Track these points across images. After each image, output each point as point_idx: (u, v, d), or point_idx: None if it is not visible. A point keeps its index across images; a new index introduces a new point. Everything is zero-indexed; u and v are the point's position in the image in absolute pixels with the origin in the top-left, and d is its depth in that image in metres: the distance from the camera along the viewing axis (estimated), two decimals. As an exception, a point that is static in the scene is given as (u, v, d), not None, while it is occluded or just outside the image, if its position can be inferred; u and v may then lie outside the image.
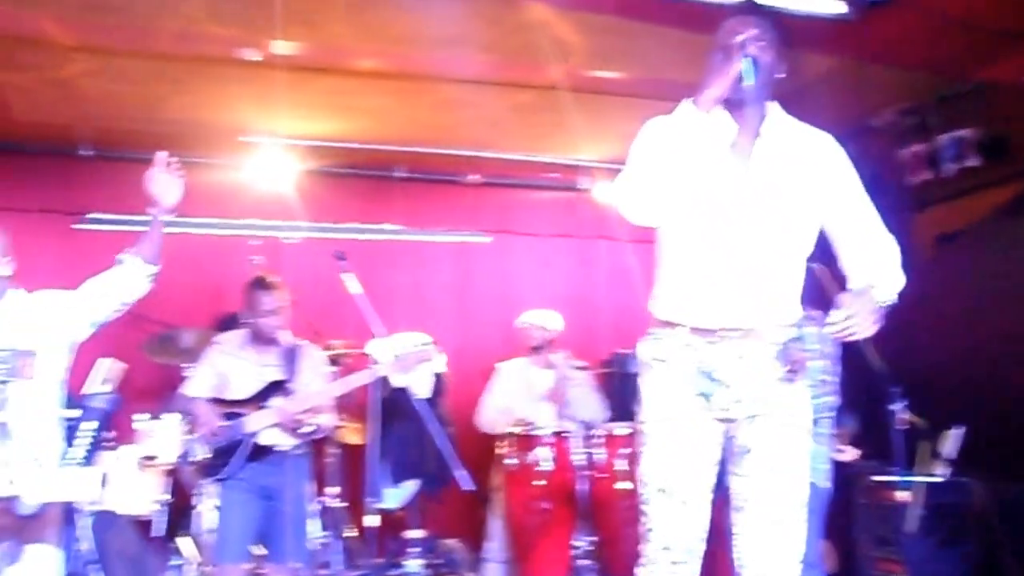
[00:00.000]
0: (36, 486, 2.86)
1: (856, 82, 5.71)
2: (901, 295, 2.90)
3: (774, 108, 2.93)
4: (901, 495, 4.37)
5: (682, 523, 2.87)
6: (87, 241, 7.06)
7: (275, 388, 4.71)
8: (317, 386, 4.78)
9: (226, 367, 4.77)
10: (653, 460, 2.90)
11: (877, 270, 2.90)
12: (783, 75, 2.86)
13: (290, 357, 4.83)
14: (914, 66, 5.54)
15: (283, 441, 4.69)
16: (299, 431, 4.68)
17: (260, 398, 4.68)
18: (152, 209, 3.67)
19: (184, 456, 4.75)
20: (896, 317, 2.87)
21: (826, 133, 3.02)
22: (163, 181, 3.64)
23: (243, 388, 4.72)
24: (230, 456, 4.61)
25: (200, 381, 4.77)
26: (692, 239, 2.88)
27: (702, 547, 2.90)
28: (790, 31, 4.55)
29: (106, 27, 4.96)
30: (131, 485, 5.74)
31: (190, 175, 6.85)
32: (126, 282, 3.65)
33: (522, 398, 6.21)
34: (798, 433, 2.94)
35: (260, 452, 4.63)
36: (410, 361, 4.66)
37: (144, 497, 5.78)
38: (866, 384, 4.59)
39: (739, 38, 2.77)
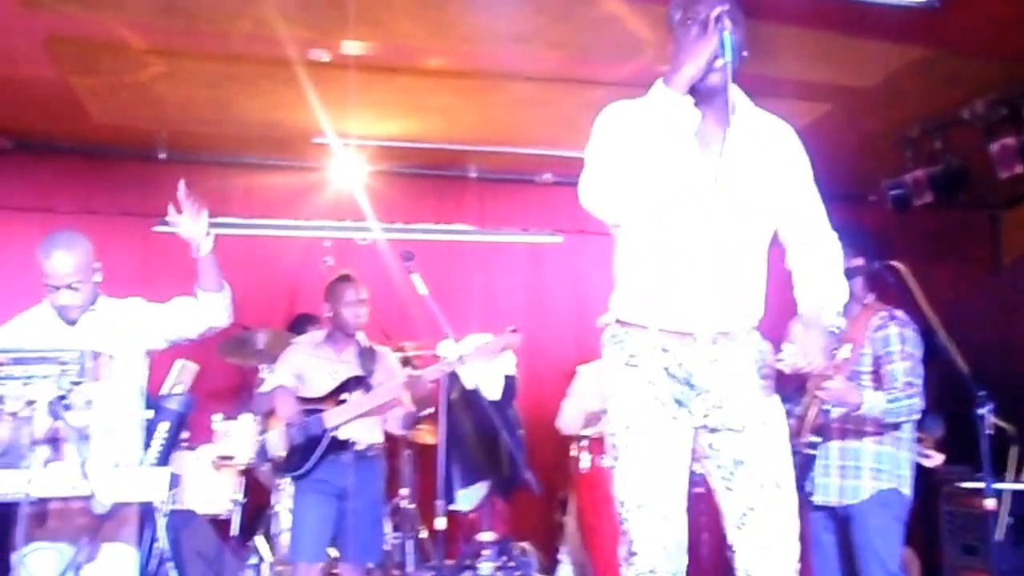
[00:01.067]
0: (110, 486, 2.89)
1: (942, 73, 5.51)
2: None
3: (739, 94, 2.75)
4: (989, 503, 4.19)
5: (665, 539, 2.70)
6: (166, 243, 7.16)
7: (354, 383, 4.71)
8: (394, 383, 4.77)
9: (303, 366, 4.81)
10: (630, 474, 2.75)
11: (820, 275, 2.79)
12: (746, 56, 2.68)
13: (366, 356, 4.85)
14: (1003, 55, 5.33)
15: (362, 437, 4.68)
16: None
17: (338, 393, 4.69)
18: (191, 251, 3.79)
19: (261, 453, 4.78)
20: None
21: (785, 123, 2.86)
22: (187, 224, 3.71)
23: (320, 385, 4.75)
24: (307, 453, 4.62)
25: (279, 379, 4.81)
26: (658, 235, 2.74)
27: (684, 562, 2.74)
28: (871, 21, 4.41)
29: (178, 30, 5.00)
30: (207, 485, 5.81)
31: (263, 178, 7.04)
32: (207, 311, 3.81)
33: (599, 401, 6.09)
34: (785, 444, 2.80)
35: (338, 448, 4.63)
36: (491, 348, 4.59)
37: (220, 497, 5.84)
38: (952, 387, 4.42)
39: (715, 11, 2.59)
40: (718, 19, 2.58)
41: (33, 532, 3.27)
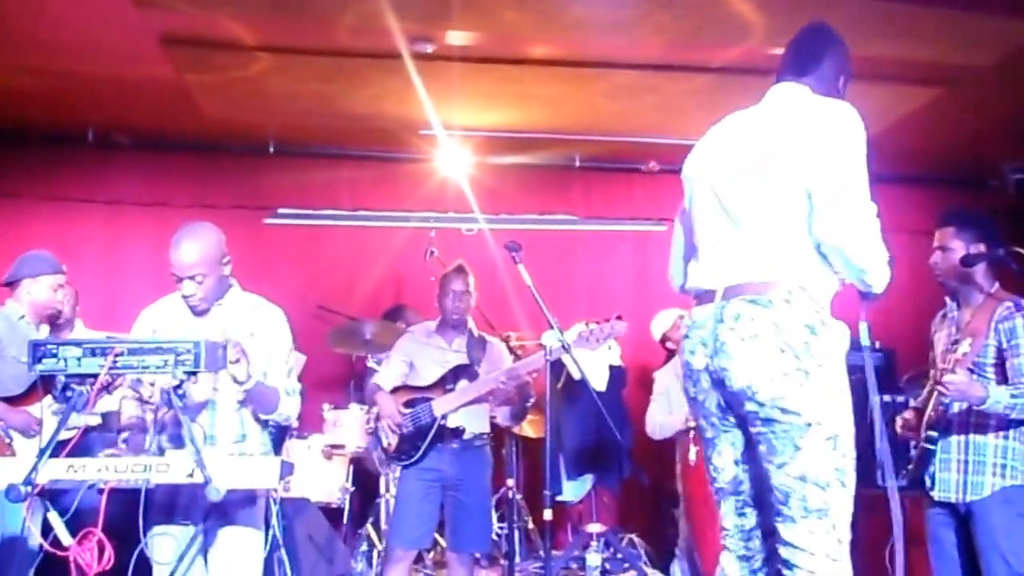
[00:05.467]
0: (225, 473, 2.92)
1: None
2: None
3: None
4: None
5: None
6: (278, 235, 7.31)
7: (461, 372, 4.73)
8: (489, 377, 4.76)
9: (414, 354, 4.86)
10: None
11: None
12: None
13: (475, 345, 4.86)
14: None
15: (470, 426, 4.69)
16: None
17: (446, 381, 4.71)
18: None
19: (375, 442, 4.84)
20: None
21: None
22: None
23: (429, 374, 4.78)
24: (417, 441, 4.66)
25: (390, 370, 4.88)
26: None
27: None
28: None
29: (286, 25, 5.08)
30: (318, 473, 5.91)
31: (369, 169, 7.12)
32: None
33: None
34: None
35: (447, 436, 4.66)
36: (597, 336, 4.54)
37: (331, 485, 5.93)
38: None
39: None
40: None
41: (159, 516, 3.35)
